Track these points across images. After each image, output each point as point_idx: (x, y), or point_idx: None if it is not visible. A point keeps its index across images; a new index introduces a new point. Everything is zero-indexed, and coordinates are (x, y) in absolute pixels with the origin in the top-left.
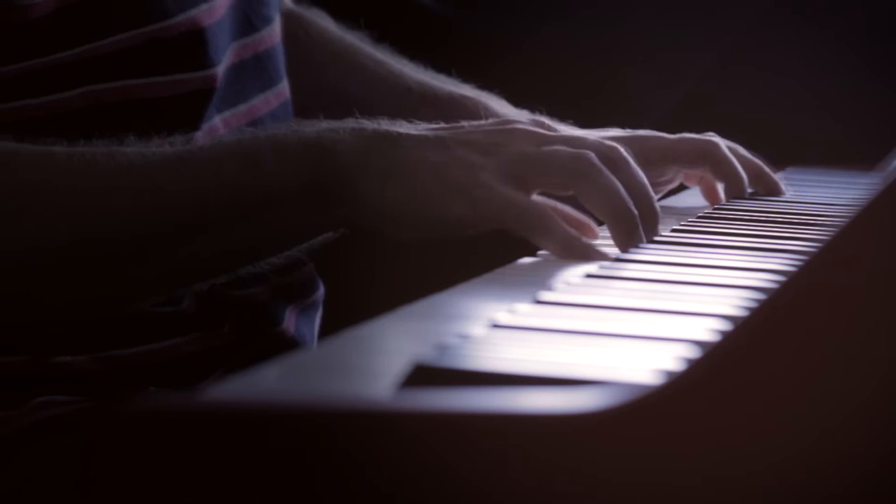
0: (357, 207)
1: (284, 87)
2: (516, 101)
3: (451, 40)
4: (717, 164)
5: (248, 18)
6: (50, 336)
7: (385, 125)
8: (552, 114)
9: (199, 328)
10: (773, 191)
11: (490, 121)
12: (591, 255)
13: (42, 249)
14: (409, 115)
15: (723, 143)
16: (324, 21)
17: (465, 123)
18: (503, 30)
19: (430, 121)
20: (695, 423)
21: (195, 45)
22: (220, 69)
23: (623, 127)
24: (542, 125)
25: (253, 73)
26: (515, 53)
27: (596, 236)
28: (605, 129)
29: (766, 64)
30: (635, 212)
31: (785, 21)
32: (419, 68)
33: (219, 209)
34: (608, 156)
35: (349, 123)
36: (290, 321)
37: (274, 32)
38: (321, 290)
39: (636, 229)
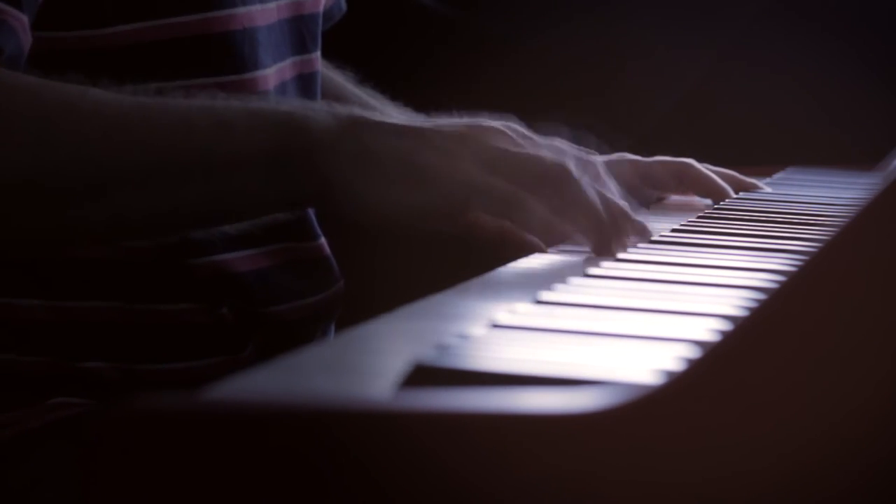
0: (324, 187)
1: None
2: (516, 101)
3: (451, 40)
4: (696, 182)
5: (303, 38)
6: (80, 339)
7: (367, 112)
8: (551, 115)
9: (225, 350)
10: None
11: (466, 119)
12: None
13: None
14: None
15: (695, 162)
16: None
17: (440, 119)
18: (503, 30)
19: None
20: (695, 423)
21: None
22: (271, 72)
23: (623, 127)
24: (513, 129)
25: (296, 92)
26: (515, 54)
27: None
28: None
29: (766, 64)
30: (610, 221)
31: (785, 21)
32: (406, 111)
33: (184, 160)
34: (583, 166)
35: (330, 105)
36: (293, 307)
37: (318, 57)
38: (339, 286)
39: (617, 237)
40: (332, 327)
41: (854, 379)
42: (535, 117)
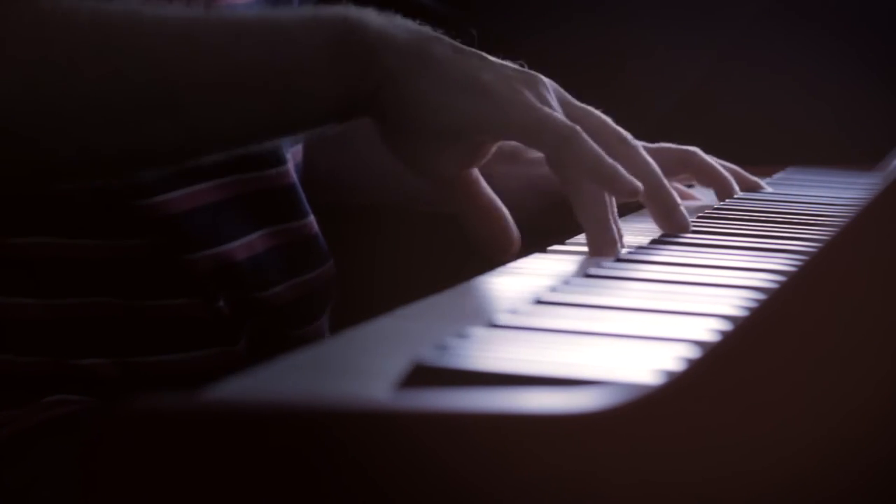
0: (386, 80)
1: None
2: None
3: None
4: (700, 171)
5: None
6: (75, 337)
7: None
8: None
9: (220, 341)
10: (754, 189)
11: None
12: (624, 187)
13: (70, 90)
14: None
15: (699, 151)
16: None
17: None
18: (503, 30)
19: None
20: (695, 423)
21: None
22: None
23: (622, 127)
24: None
25: None
26: (515, 53)
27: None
28: None
29: (766, 63)
30: (669, 187)
31: (785, 21)
32: None
33: (245, 69)
34: (626, 139)
35: (389, 16)
36: (285, 287)
37: None
38: (329, 265)
39: (672, 205)
40: (326, 318)
41: (854, 379)
42: None
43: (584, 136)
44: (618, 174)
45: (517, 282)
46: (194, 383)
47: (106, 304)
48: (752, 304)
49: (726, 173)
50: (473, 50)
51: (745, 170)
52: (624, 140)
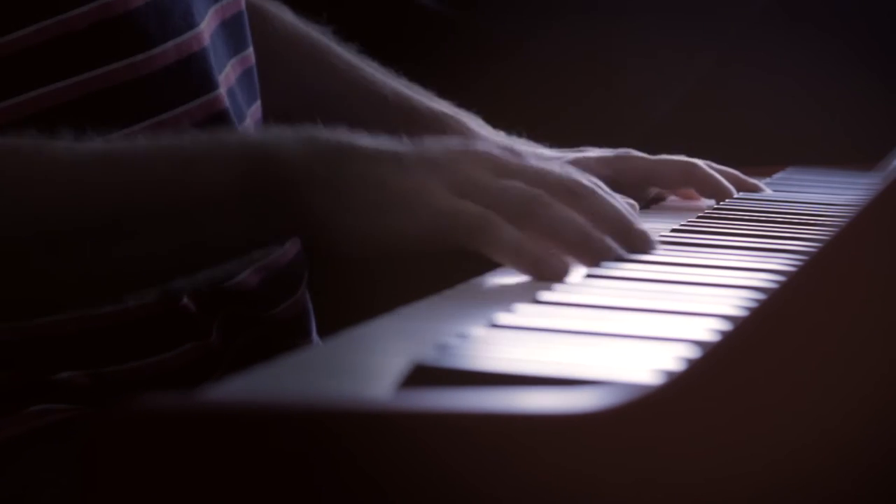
0: (296, 220)
1: (250, 53)
2: (516, 102)
3: (450, 40)
4: (701, 183)
5: (240, 35)
6: (45, 354)
7: (343, 136)
8: (551, 115)
9: (192, 336)
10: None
11: (455, 140)
12: (550, 271)
13: None
14: (385, 125)
15: (701, 162)
16: (284, 13)
17: (427, 140)
18: (503, 30)
19: (408, 135)
20: (695, 423)
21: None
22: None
23: (623, 127)
24: (510, 151)
25: (242, 91)
26: (515, 54)
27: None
28: (584, 148)
29: (766, 64)
30: (598, 235)
31: (784, 21)
32: (391, 74)
33: (144, 209)
34: (570, 189)
35: (303, 131)
36: (250, 273)
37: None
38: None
39: (603, 252)
40: (305, 293)
41: (854, 379)
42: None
43: (498, 221)
44: (540, 261)
45: (517, 281)
46: (175, 382)
47: (69, 319)
48: (752, 304)
49: (728, 184)
50: (395, 151)
51: (745, 170)
52: (574, 188)
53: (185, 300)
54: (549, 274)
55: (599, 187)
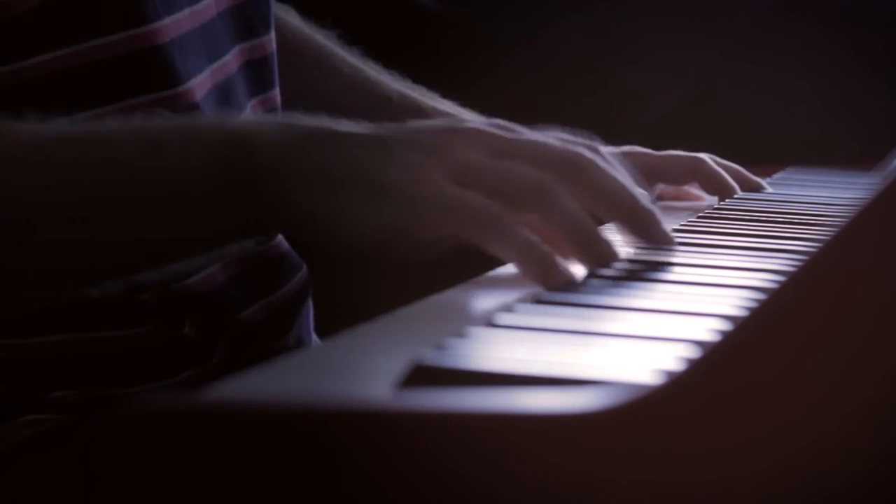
0: (274, 212)
1: (276, 93)
2: (516, 101)
3: (450, 40)
4: (707, 179)
5: (250, 23)
6: (40, 373)
7: (323, 121)
8: (551, 115)
9: (194, 363)
10: (756, 190)
11: (440, 120)
12: (556, 281)
13: None
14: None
15: (707, 157)
16: (290, 17)
17: (410, 122)
18: (503, 30)
19: None
20: (695, 423)
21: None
22: (206, 75)
23: (623, 126)
24: (502, 126)
25: (245, 81)
26: (515, 54)
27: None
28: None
29: (766, 63)
30: (604, 238)
31: (784, 21)
32: (394, 77)
33: (110, 192)
34: (572, 162)
35: (281, 117)
36: (256, 309)
37: (272, 39)
38: (303, 272)
39: (607, 257)
40: (309, 313)
41: (854, 379)
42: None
43: (505, 217)
44: (548, 266)
45: (517, 281)
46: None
47: (66, 340)
48: (752, 304)
49: (732, 182)
50: (379, 135)
51: (746, 170)
52: (577, 163)
53: (186, 329)
54: (555, 285)
55: (600, 155)
